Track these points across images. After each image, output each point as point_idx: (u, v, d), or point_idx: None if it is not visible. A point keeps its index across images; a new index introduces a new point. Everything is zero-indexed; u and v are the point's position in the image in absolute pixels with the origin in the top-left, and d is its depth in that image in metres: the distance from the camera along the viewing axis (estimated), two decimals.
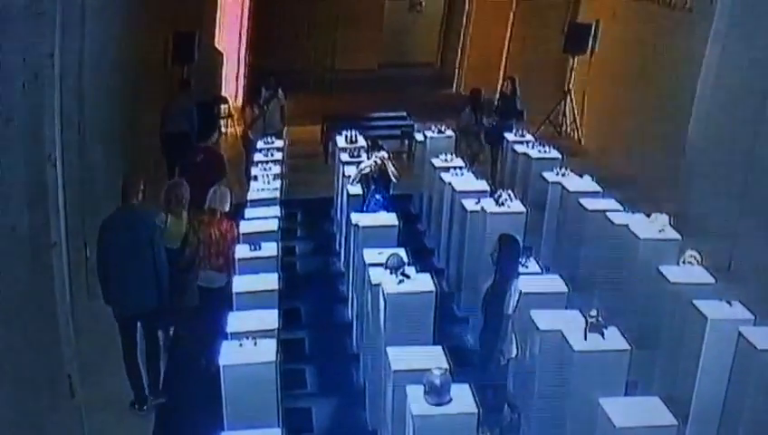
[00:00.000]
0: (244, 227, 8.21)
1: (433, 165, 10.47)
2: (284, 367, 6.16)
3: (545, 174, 9.74)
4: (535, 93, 13.96)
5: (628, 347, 5.94)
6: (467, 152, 11.61)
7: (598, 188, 9.25)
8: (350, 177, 9.52)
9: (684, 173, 10.58)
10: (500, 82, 15.60)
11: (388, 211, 8.66)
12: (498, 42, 17.99)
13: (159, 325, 7.57)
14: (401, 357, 5.80)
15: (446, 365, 5.48)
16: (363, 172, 9.25)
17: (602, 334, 5.99)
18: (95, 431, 6.60)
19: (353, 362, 7.94)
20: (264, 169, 10.21)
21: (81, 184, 8.23)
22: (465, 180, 9.57)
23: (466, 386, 5.36)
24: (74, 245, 7.50)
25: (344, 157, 10.63)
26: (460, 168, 10.00)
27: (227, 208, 7.79)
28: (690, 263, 7.27)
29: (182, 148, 11.15)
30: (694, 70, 10.60)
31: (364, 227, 8.10)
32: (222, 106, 15.43)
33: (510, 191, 8.81)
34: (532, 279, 6.92)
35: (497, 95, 13.46)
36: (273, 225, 8.39)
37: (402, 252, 7.06)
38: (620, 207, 8.60)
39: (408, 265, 6.84)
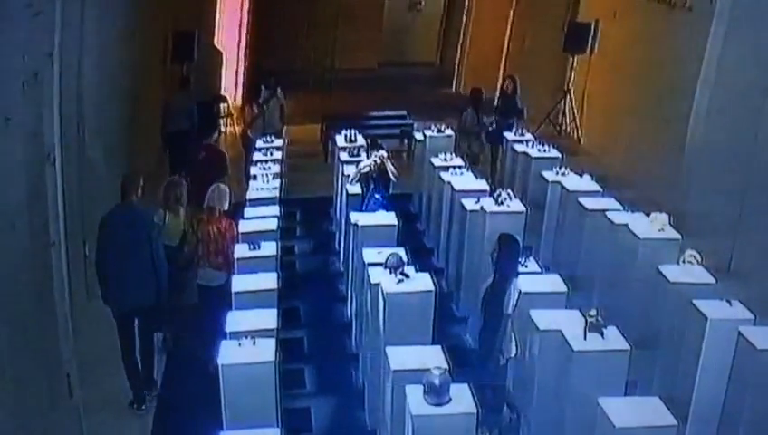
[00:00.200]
0: (244, 226, 8.21)
1: (432, 164, 10.47)
2: (283, 367, 6.16)
3: (545, 173, 9.75)
4: (535, 92, 13.95)
5: (628, 347, 5.94)
6: (468, 153, 11.59)
7: (597, 188, 9.26)
8: (349, 176, 9.51)
9: (684, 172, 10.57)
10: (499, 81, 15.60)
11: (387, 210, 8.66)
12: (498, 41, 17.98)
13: (157, 324, 7.57)
14: (400, 357, 5.79)
15: (445, 365, 5.47)
16: (363, 171, 9.25)
17: (602, 334, 5.99)
18: (93, 431, 6.61)
19: (352, 361, 7.93)
20: (264, 169, 10.21)
21: (80, 183, 8.23)
22: (464, 180, 9.57)
23: (466, 386, 5.35)
24: (73, 244, 7.50)
25: (343, 156, 10.63)
26: (459, 167, 9.99)
27: (226, 207, 7.80)
28: (690, 262, 7.27)
29: (183, 146, 11.18)
30: (694, 69, 10.59)
31: (363, 227, 8.09)
32: (221, 105, 15.44)
33: (509, 190, 8.81)
34: (531, 279, 6.92)
35: (497, 94, 13.45)
36: (272, 224, 8.39)
37: (401, 251, 7.06)
38: (620, 207, 8.61)
39: (408, 264, 6.83)
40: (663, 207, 8.30)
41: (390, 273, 6.66)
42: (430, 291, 6.58)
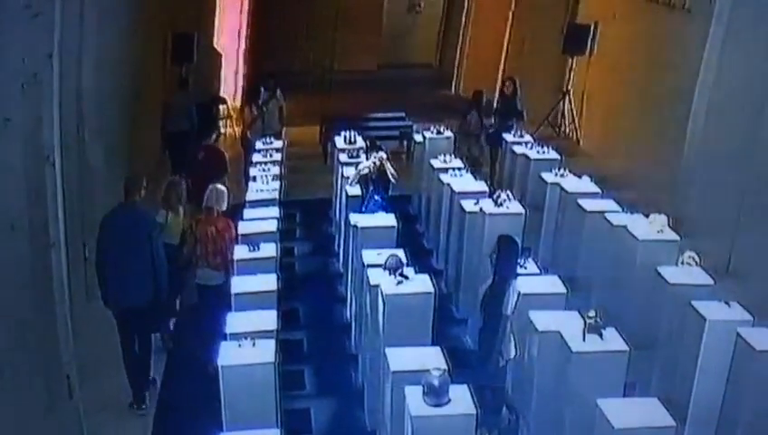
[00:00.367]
0: (243, 227, 8.22)
1: (432, 166, 10.48)
2: (283, 368, 6.17)
3: (544, 175, 9.76)
4: (534, 94, 13.96)
5: (627, 348, 5.95)
6: (467, 156, 11.57)
7: (596, 189, 9.27)
8: (348, 177, 9.52)
9: (682, 174, 10.59)
10: (498, 82, 15.62)
11: (386, 212, 8.66)
12: (497, 42, 17.99)
13: (155, 323, 7.58)
14: (400, 358, 5.80)
15: (444, 366, 5.47)
16: (362, 173, 9.25)
17: (601, 335, 6.00)
18: (93, 432, 6.61)
19: (352, 362, 7.94)
20: (263, 170, 10.22)
21: (79, 184, 8.24)
22: (463, 181, 9.58)
23: (465, 387, 5.36)
24: (73, 245, 7.50)
25: (343, 157, 10.64)
26: (459, 169, 10.01)
27: (224, 207, 7.82)
28: (689, 264, 7.28)
29: (183, 146, 11.21)
30: (692, 71, 10.60)
31: (363, 228, 8.10)
32: (221, 107, 15.45)
33: (509, 192, 8.82)
34: (530, 280, 6.93)
35: (496, 96, 13.46)
36: (271, 226, 8.39)
37: (401, 253, 7.06)
38: (619, 208, 8.62)
39: (407, 265, 6.84)
40: (662, 208, 8.31)
41: (390, 274, 6.67)
42: (430, 292, 6.59)
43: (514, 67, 16.35)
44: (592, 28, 14.71)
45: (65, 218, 6.60)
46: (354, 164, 9.84)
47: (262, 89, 12.65)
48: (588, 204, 8.77)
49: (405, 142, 14.18)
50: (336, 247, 10.42)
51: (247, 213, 8.83)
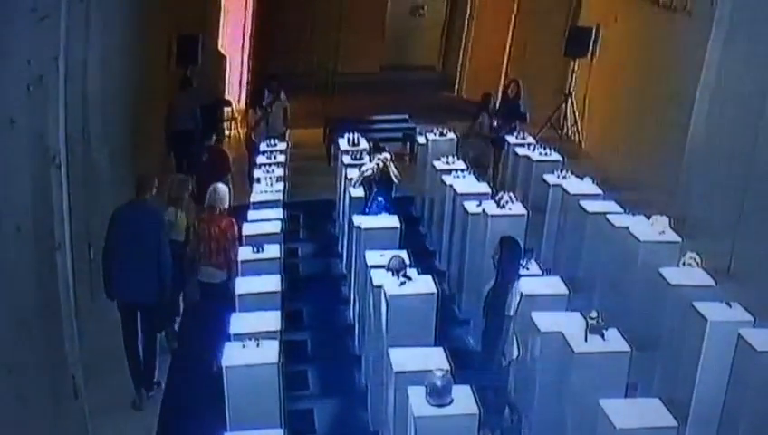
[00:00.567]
0: (247, 229, 8.26)
1: (435, 167, 10.51)
2: (287, 368, 6.20)
3: (546, 176, 9.78)
4: (536, 96, 13.99)
5: (629, 349, 5.98)
6: (475, 158, 11.54)
7: (598, 191, 9.29)
8: (352, 179, 9.55)
9: (684, 175, 10.61)
10: (500, 85, 15.65)
11: (389, 213, 8.70)
12: (499, 45, 18.02)
13: (159, 321, 7.64)
14: (403, 358, 5.83)
15: (447, 367, 5.51)
16: (365, 174, 9.27)
17: (603, 336, 6.03)
18: (98, 432, 6.63)
19: (355, 363, 7.97)
20: (267, 172, 10.26)
21: (85, 186, 8.27)
22: (466, 183, 9.61)
23: (467, 387, 5.39)
24: (78, 247, 7.54)
25: (346, 159, 10.67)
26: (462, 170, 10.04)
27: (226, 205, 7.88)
28: (690, 265, 7.30)
29: (187, 145, 11.28)
30: (694, 73, 10.63)
31: (366, 229, 8.14)
32: (225, 109, 15.48)
33: (511, 194, 8.85)
34: (532, 281, 6.96)
35: (499, 98, 13.49)
36: (275, 227, 8.44)
37: (404, 254, 7.10)
38: (621, 210, 8.64)
39: (410, 267, 6.87)
40: (663, 209, 8.34)
41: (393, 275, 6.70)
42: (432, 293, 6.62)
43: (517, 70, 16.37)
44: (594, 31, 14.75)
45: (70, 220, 6.64)
46: (357, 166, 9.86)
47: (266, 91, 12.68)
48: (590, 205, 8.79)
49: (408, 144, 14.21)
50: (339, 249, 10.45)
51: (251, 214, 8.87)
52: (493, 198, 8.82)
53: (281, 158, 10.97)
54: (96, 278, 7.81)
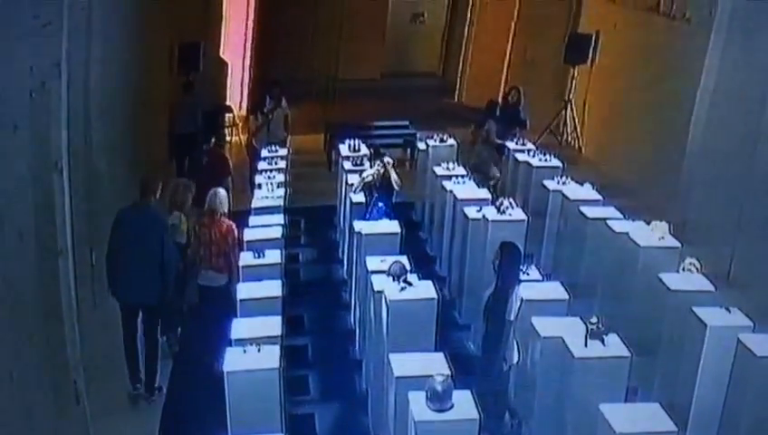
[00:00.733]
0: (249, 234, 8.29)
1: (435, 173, 10.54)
2: (288, 373, 6.22)
3: (546, 182, 9.82)
4: (536, 103, 14.02)
5: (629, 354, 6.00)
6: (470, 163, 11.54)
7: (598, 197, 9.32)
8: (352, 185, 9.58)
9: (683, 181, 10.63)
10: (501, 91, 15.69)
11: (390, 219, 8.73)
12: (500, 52, 18.06)
13: (161, 324, 7.67)
14: (403, 363, 5.84)
15: (447, 372, 5.51)
16: (366, 180, 9.31)
17: (603, 341, 6.05)
18: None
19: (356, 368, 7.98)
20: (268, 178, 10.28)
21: (87, 191, 8.29)
22: (466, 189, 9.64)
23: (468, 392, 5.40)
24: (80, 252, 7.56)
25: (347, 165, 10.70)
26: (462, 176, 10.06)
27: (226, 209, 7.91)
28: (690, 270, 7.32)
29: (190, 148, 11.34)
30: (693, 80, 10.66)
31: (367, 235, 8.16)
32: (227, 115, 15.52)
33: (511, 199, 8.88)
34: (533, 286, 6.98)
35: (499, 104, 13.52)
36: (276, 232, 8.46)
37: (404, 259, 7.11)
38: (621, 216, 8.67)
39: (411, 272, 6.89)
40: (663, 215, 8.37)
41: (393, 280, 6.72)
42: (433, 298, 6.64)
43: (517, 76, 16.41)
44: (594, 38, 14.78)
45: (72, 225, 6.66)
46: (358, 171, 9.90)
47: (267, 97, 12.71)
48: (590, 211, 8.82)
49: (408, 150, 14.24)
50: (340, 254, 10.47)
51: (253, 220, 8.89)
52: (493, 203, 8.84)
53: (282, 164, 10.99)
54: (98, 283, 7.84)
